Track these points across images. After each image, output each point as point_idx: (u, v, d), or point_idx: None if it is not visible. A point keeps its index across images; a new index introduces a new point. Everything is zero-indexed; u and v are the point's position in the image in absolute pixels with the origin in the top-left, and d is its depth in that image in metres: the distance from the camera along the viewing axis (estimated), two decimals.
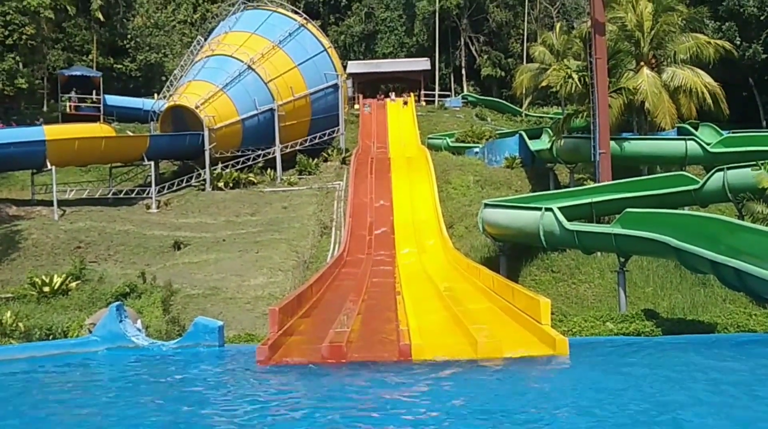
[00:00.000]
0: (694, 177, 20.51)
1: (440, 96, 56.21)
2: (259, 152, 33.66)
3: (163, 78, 46.51)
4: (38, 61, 44.52)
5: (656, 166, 26.95)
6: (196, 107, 32.18)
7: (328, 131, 36.15)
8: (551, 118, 42.41)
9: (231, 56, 34.08)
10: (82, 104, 41.89)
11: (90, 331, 10.64)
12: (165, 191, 31.32)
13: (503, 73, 57.96)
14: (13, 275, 21.89)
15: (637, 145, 25.98)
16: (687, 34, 27.43)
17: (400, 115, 43.97)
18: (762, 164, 17.98)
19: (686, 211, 18.08)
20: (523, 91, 39.37)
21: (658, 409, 5.98)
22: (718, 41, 28.26)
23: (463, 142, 38.86)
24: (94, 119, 38.21)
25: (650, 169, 27.10)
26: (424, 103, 53.50)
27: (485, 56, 59.69)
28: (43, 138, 28.16)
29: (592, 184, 23.83)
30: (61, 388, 7.81)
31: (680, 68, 26.61)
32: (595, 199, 19.75)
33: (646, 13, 26.98)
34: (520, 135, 33.85)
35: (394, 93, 50.40)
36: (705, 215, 14.68)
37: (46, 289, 19.26)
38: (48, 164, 27.87)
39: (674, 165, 25.36)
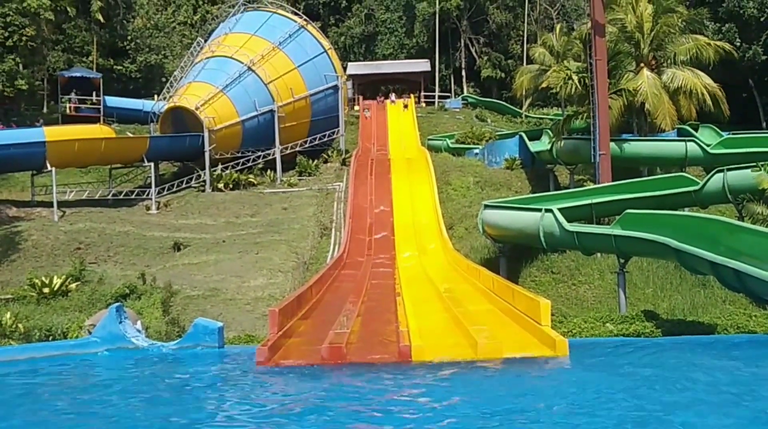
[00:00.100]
0: (694, 178, 20.51)
1: (440, 97, 56.21)
2: (259, 153, 33.67)
3: (163, 79, 46.55)
4: (38, 63, 44.55)
5: (656, 167, 26.96)
6: (196, 108, 32.20)
7: (328, 132, 36.17)
8: (551, 120, 42.42)
9: (231, 57, 34.11)
10: (82, 105, 41.92)
11: (90, 333, 10.64)
12: (165, 192, 31.33)
13: (503, 75, 57.98)
14: (12, 276, 21.89)
15: (637, 147, 25.99)
16: (687, 35, 27.44)
17: (400, 117, 43.97)
18: (762, 165, 17.98)
19: (686, 212, 18.07)
20: (523, 93, 39.40)
21: (658, 410, 5.97)
22: (718, 42, 28.27)
23: (463, 143, 38.86)
24: (94, 120, 38.25)
25: (650, 170, 27.10)
26: (424, 105, 53.50)
27: (485, 58, 59.71)
28: (43, 139, 28.18)
29: (592, 186, 23.84)
30: (61, 389, 7.81)
31: (680, 69, 26.61)
32: (595, 201, 19.75)
33: (646, 14, 26.99)
34: (520, 136, 33.85)
35: (394, 94, 50.39)
36: (705, 216, 14.69)
37: (46, 290, 19.25)
38: (48, 165, 27.89)
39: (674, 166, 25.39)
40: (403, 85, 56.77)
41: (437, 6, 57.11)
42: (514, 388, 7.40)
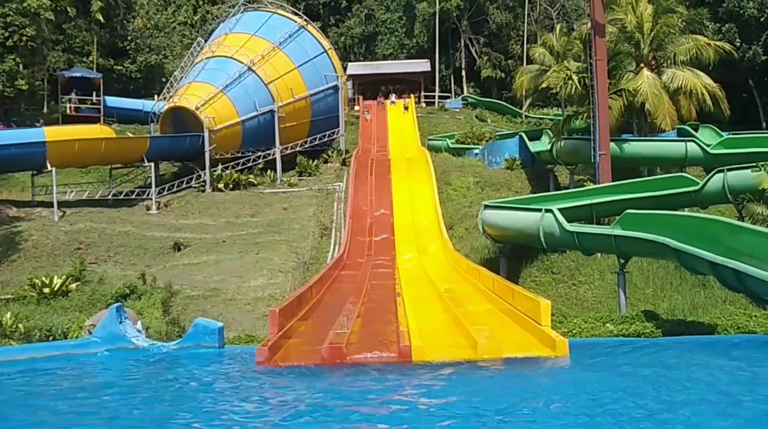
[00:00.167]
0: (694, 178, 20.51)
1: (440, 97, 56.22)
2: (259, 153, 33.68)
3: (164, 79, 46.56)
4: (38, 63, 44.56)
5: (656, 167, 26.96)
6: (197, 108, 32.20)
7: (328, 133, 36.18)
8: (551, 120, 42.42)
9: (231, 58, 34.11)
10: (83, 105, 41.94)
11: (90, 333, 10.64)
12: (165, 192, 31.34)
13: (503, 75, 57.99)
14: (13, 276, 21.89)
15: (637, 147, 25.99)
16: (687, 35, 27.44)
17: (400, 117, 43.99)
18: (762, 165, 17.98)
19: (686, 212, 18.07)
20: (523, 93, 39.40)
21: (658, 410, 5.98)
22: (718, 43, 28.26)
23: (463, 143, 38.86)
24: (94, 120, 38.27)
25: (650, 170, 27.10)
26: (424, 105, 53.51)
27: (485, 58, 59.72)
28: (43, 139, 28.19)
29: (592, 186, 23.83)
30: (61, 389, 7.81)
31: (680, 70, 26.62)
32: (595, 201, 19.75)
33: (646, 14, 26.99)
34: (520, 136, 33.85)
35: (394, 95, 50.37)
36: (705, 216, 14.68)
37: (46, 290, 19.26)
38: (48, 165, 27.90)
39: (674, 166, 25.38)
40: (403, 85, 56.78)
41: (437, 6, 57.11)
42: (513, 388, 7.40)
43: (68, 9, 42.76)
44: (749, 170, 18.39)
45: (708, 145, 25.11)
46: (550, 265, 20.39)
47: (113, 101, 43.66)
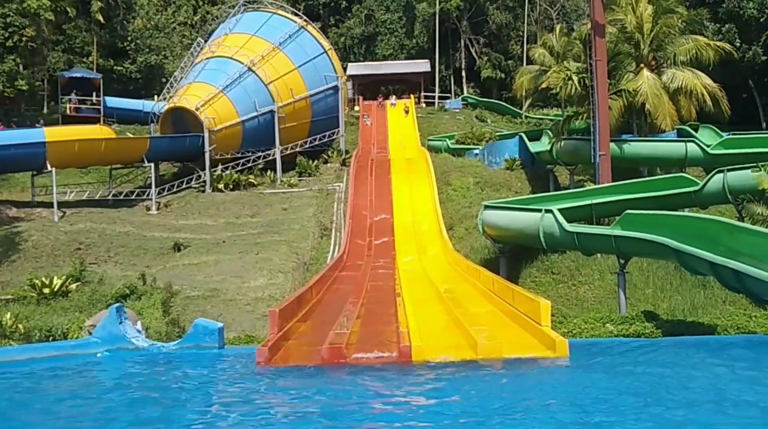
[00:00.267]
0: (694, 179, 20.52)
1: (440, 98, 56.22)
2: (259, 154, 33.68)
3: (163, 80, 46.56)
4: (38, 63, 44.57)
5: (656, 167, 26.95)
6: (197, 109, 32.20)
7: (328, 133, 36.18)
8: (551, 120, 42.41)
9: (231, 58, 34.12)
10: (83, 106, 41.92)
11: (90, 333, 10.63)
12: (165, 193, 31.34)
13: (503, 75, 58.00)
14: (13, 277, 21.89)
15: (637, 147, 25.99)
16: (687, 36, 27.45)
17: (400, 117, 44.01)
18: (762, 166, 18.00)
19: (686, 212, 18.08)
20: (523, 93, 39.43)
21: (659, 410, 5.98)
22: (718, 43, 28.28)
23: (463, 143, 38.86)
24: (94, 121, 38.26)
25: (650, 170, 27.10)
26: (424, 105, 53.50)
27: (485, 58, 59.73)
28: (43, 140, 28.19)
29: (592, 186, 23.83)
30: (61, 389, 7.81)
31: (680, 70, 26.63)
32: (595, 201, 19.75)
33: (646, 15, 27.00)
34: (520, 137, 33.85)
35: (394, 97, 50.36)
36: (705, 217, 14.68)
37: (46, 290, 19.26)
38: (48, 166, 27.89)
39: (674, 167, 25.38)
40: (403, 85, 56.80)
41: (437, 6, 57.13)
42: (513, 388, 7.40)
43: (68, 9, 42.69)
44: (749, 170, 18.41)
45: (708, 146, 25.11)
46: (550, 266, 20.39)
47: (113, 102, 43.64)
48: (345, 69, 46.30)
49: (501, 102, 54.95)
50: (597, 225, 18.63)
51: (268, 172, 33.33)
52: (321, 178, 33.36)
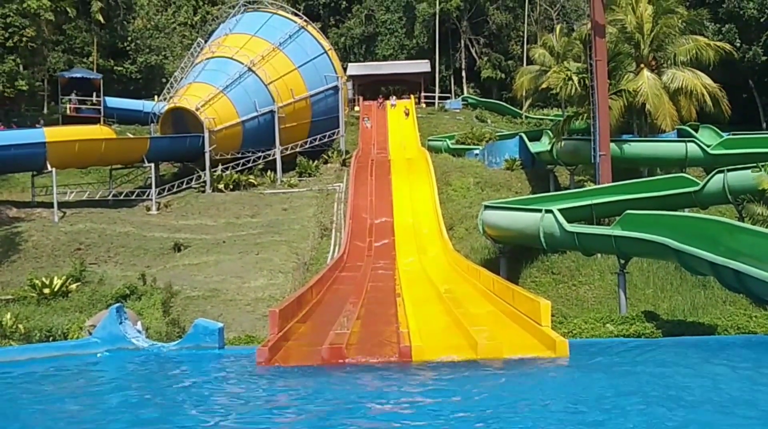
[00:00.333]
0: (694, 179, 20.51)
1: (440, 98, 56.22)
2: (260, 154, 33.69)
3: (164, 80, 46.57)
4: (39, 63, 44.58)
5: (656, 168, 26.96)
6: (197, 109, 32.21)
7: (328, 133, 36.19)
8: (551, 120, 42.42)
9: (231, 58, 34.13)
10: (83, 106, 41.95)
11: (90, 333, 10.62)
12: (165, 193, 31.34)
13: (503, 75, 58.01)
14: (13, 277, 21.89)
15: (637, 147, 26.00)
16: (687, 36, 27.46)
17: (400, 118, 44.01)
18: (762, 166, 18.00)
19: (686, 212, 18.07)
20: (523, 93, 39.46)
21: (659, 411, 5.97)
22: (718, 43, 28.29)
23: (463, 144, 38.87)
24: (94, 121, 38.28)
25: (650, 171, 27.10)
26: (424, 105, 53.52)
27: (485, 58, 59.74)
28: (43, 140, 28.20)
29: (593, 186, 23.83)
30: (61, 390, 7.80)
31: (680, 70, 26.62)
32: (595, 201, 19.76)
33: (646, 15, 27.00)
34: (520, 137, 33.86)
35: (394, 97, 50.34)
36: (705, 217, 14.68)
37: (46, 290, 19.26)
38: (48, 166, 27.90)
39: (674, 167, 25.39)
40: (403, 85, 56.80)
41: (437, 7, 57.14)
42: (513, 388, 7.40)
43: (68, 10, 42.72)
44: (749, 171, 18.41)
45: (708, 146, 25.12)
46: (550, 266, 20.39)
47: (113, 102, 43.66)
48: (345, 69, 46.31)
49: (501, 102, 54.95)
50: (597, 225, 18.63)
51: (269, 173, 33.34)
52: (321, 179, 33.37)
